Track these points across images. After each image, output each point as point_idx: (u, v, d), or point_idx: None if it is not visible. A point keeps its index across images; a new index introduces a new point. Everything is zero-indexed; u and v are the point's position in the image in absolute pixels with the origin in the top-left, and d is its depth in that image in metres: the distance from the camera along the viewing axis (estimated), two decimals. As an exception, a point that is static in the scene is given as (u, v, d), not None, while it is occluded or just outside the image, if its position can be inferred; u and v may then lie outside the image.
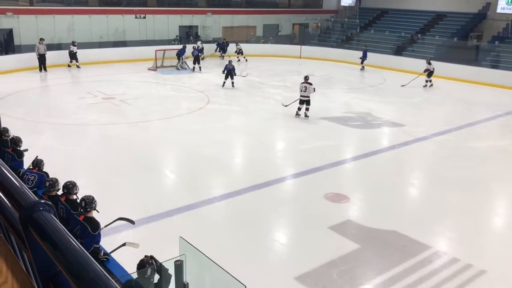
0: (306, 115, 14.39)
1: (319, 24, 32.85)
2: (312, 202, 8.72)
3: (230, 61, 18.87)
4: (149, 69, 21.94)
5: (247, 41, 29.31)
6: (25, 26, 22.13)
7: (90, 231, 5.28)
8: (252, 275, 6.20)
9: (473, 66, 22.34)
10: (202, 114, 14.72)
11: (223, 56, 25.74)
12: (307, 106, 14.37)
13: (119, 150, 11.22)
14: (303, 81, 14.49)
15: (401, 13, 29.22)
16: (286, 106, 14.86)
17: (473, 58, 23.52)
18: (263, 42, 29.62)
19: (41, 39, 20.39)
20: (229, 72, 18.29)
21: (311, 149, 11.78)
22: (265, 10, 31.18)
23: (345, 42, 29.01)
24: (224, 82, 18.51)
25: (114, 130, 12.57)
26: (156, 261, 4.39)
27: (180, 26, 27.63)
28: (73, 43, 21.55)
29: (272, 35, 30.54)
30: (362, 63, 24.56)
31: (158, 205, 8.23)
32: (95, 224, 5.37)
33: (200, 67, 22.20)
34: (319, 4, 34.28)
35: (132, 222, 6.56)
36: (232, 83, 18.49)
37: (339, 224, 7.79)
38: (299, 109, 14.47)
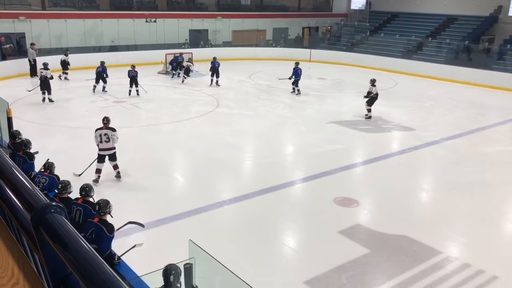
0: (118, 176, 9.38)
1: (329, 27, 32.81)
2: (321, 206, 8.68)
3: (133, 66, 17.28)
4: (159, 73, 22.04)
5: (256, 45, 29.37)
6: (37, 30, 22.38)
7: (106, 233, 5.32)
8: (261, 279, 6.19)
9: (484, 69, 22.14)
10: (211, 118, 14.75)
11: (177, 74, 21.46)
12: (114, 163, 9.32)
13: (129, 153, 11.28)
14: (101, 126, 9.37)
15: (411, 17, 29.09)
16: (79, 175, 9.27)
17: (485, 61, 23.31)
18: (273, 45, 29.64)
19: (32, 44, 20.43)
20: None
21: (321, 153, 11.74)
22: (275, 14, 31.23)
23: (355, 46, 28.94)
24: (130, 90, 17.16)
25: (125, 133, 12.62)
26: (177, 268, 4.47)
27: (190, 30, 27.77)
28: (66, 53, 20.14)
29: (283, 39, 30.58)
30: (295, 84, 18.31)
31: (167, 208, 8.26)
32: (110, 226, 5.42)
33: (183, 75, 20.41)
34: (329, 8, 34.24)
35: (142, 225, 6.59)
36: (137, 91, 17.10)
37: (348, 229, 7.75)
38: (99, 171, 9.18)
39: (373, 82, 14.97)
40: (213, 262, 4.64)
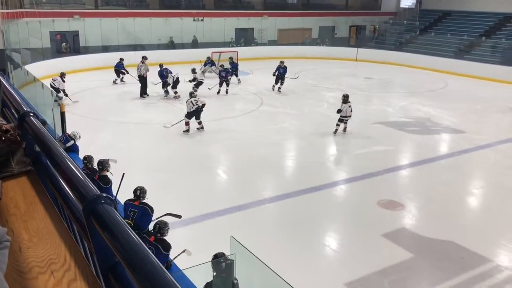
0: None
1: (377, 26, 32.14)
2: (365, 208, 8.54)
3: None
4: (203, 72, 22.00)
5: (302, 43, 29.19)
6: (90, 29, 23.25)
7: (149, 212, 6.03)
8: (301, 279, 6.16)
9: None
10: (255, 116, 14.82)
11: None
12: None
13: (174, 149, 11.53)
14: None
15: (464, 15, 28.00)
16: None
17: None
18: (318, 44, 29.38)
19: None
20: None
21: (366, 154, 11.54)
22: (321, 13, 30.88)
23: (404, 45, 28.19)
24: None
25: (171, 129, 12.90)
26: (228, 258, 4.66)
27: (236, 29, 27.96)
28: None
29: (328, 37, 30.21)
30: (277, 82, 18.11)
31: (210, 204, 8.37)
32: (151, 207, 6.12)
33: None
34: (377, 6, 33.54)
35: (179, 216, 6.69)
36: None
37: (392, 232, 7.58)
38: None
39: (345, 98, 12.68)
40: (253, 259, 4.67)
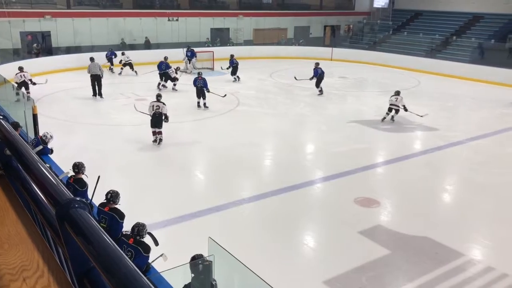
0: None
1: (351, 26, 32.53)
2: (341, 206, 8.62)
3: (199, 73, 15.84)
4: (180, 71, 22.11)
5: (278, 43, 29.30)
6: (62, 29, 22.80)
7: (118, 219, 5.78)
8: (280, 278, 6.18)
9: (510, 69, 21.58)
10: (232, 116, 14.79)
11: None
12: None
13: (149, 151, 11.41)
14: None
15: (435, 15, 28.61)
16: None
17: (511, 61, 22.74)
18: (294, 44, 29.53)
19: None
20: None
21: (342, 152, 11.65)
22: (296, 13, 31.09)
23: (378, 45, 28.62)
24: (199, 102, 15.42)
25: (147, 131, 12.76)
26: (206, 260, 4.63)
27: (211, 29, 27.87)
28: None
29: (303, 37, 30.38)
30: (318, 87, 18.03)
31: (187, 205, 8.31)
32: (121, 214, 5.86)
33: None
34: (351, 6, 33.94)
35: (156, 243, 6.25)
36: (204, 103, 15.34)
37: (369, 229, 7.68)
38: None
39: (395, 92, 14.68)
40: (232, 260, 4.66)
